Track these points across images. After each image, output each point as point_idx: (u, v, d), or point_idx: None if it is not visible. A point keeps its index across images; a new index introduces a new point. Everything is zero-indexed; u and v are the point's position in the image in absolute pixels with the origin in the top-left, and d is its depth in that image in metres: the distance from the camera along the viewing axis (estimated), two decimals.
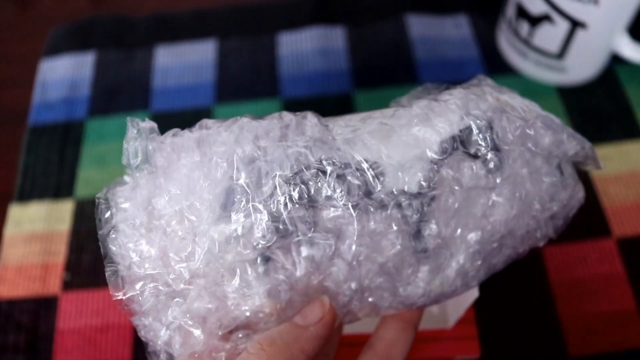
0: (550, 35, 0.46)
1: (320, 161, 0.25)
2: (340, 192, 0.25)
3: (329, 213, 0.25)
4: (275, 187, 0.25)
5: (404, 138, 0.27)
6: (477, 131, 0.27)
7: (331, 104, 0.50)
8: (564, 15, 0.44)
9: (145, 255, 0.26)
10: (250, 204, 0.25)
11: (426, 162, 0.26)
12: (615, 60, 0.51)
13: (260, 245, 0.25)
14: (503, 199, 0.27)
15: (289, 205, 0.25)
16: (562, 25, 0.45)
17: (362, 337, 0.31)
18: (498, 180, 0.27)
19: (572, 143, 0.29)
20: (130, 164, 0.26)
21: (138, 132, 0.26)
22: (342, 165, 0.25)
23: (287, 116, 0.27)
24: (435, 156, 0.26)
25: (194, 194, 0.25)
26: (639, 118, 0.48)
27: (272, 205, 0.25)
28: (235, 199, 0.25)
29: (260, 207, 0.25)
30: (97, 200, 0.26)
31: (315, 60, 0.53)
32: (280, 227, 0.25)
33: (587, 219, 0.44)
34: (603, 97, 0.50)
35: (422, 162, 0.26)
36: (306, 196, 0.25)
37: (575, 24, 0.44)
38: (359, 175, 0.25)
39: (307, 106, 0.50)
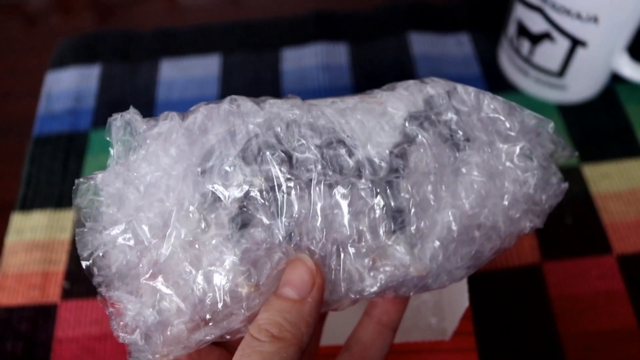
0: (550, 54, 0.47)
1: (293, 115, 0.26)
2: (313, 139, 0.25)
3: (304, 164, 0.25)
4: (250, 139, 0.25)
5: (374, 107, 0.28)
6: (437, 99, 0.28)
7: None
8: (565, 33, 0.45)
9: (115, 211, 0.25)
10: (228, 157, 0.25)
11: (395, 126, 0.27)
12: (615, 80, 0.51)
13: (236, 197, 0.24)
14: (472, 165, 0.27)
15: (265, 156, 0.25)
16: (563, 44, 0.45)
17: (339, 348, 0.31)
18: (465, 146, 0.27)
19: (530, 116, 0.30)
20: (112, 137, 0.26)
21: (122, 117, 0.27)
22: (314, 119, 0.26)
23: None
24: (403, 121, 0.27)
25: (172, 155, 0.25)
26: (639, 136, 0.48)
27: (248, 157, 0.25)
28: (214, 154, 0.25)
29: (237, 159, 0.25)
30: (77, 181, 0.26)
31: (318, 76, 0.53)
32: (258, 179, 0.24)
33: (588, 236, 0.44)
34: (603, 115, 0.50)
35: (392, 126, 0.27)
36: (281, 145, 0.25)
37: (576, 43, 0.45)
38: (336, 136, 0.26)
39: None
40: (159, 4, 0.63)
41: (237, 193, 0.24)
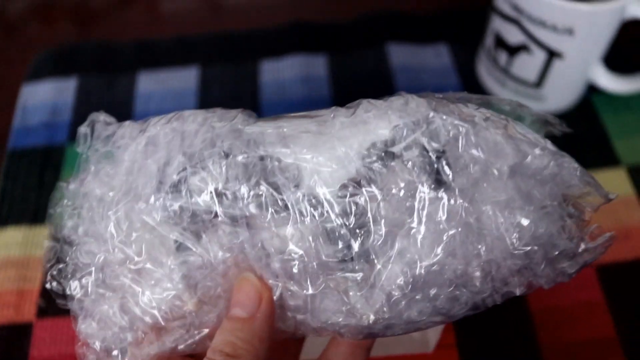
0: (528, 65, 0.47)
1: (230, 148, 0.25)
2: (248, 183, 0.25)
3: (237, 204, 0.25)
4: (183, 171, 0.25)
5: (332, 133, 0.25)
6: (404, 130, 0.25)
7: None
8: (541, 45, 0.45)
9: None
10: (165, 188, 0.26)
11: (351, 162, 0.25)
12: (592, 90, 0.51)
13: (170, 225, 0.25)
14: (442, 212, 0.24)
15: (199, 192, 0.25)
16: (540, 55, 0.46)
17: None
18: (440, 194, 0.24)
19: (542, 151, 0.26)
20: (80, 150, 0.28)
21: (91, 124, 0.29)
22: (257, 157, 0.25)
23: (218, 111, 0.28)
24: (363, 158, 0.25)
25: (132, 183, 0.26)
26: (616, 146, 0.49)
27: (182, 190, 0.25)
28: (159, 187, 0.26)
29: (171, 191, 0.25)
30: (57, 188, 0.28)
31: (296, 87, 0.53)
32: (189, 211, 0.25)
33: None
34: (580, 125, 0.50)
35: (346, 163, 0.25)
36: (218, 185, 0.25)
37: (552, 54, 0.45)
38: (270, 168, 0.25)
39: None
40: (139, 12, 0.63)
41: (170, 221, 0.25)
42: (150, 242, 0.26)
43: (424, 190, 0.24)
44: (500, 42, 0.48)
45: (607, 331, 0.40)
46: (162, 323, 0.26)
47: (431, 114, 0.25)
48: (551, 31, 0.44)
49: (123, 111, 0.53)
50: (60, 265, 0.27)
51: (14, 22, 0.63)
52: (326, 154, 0.25)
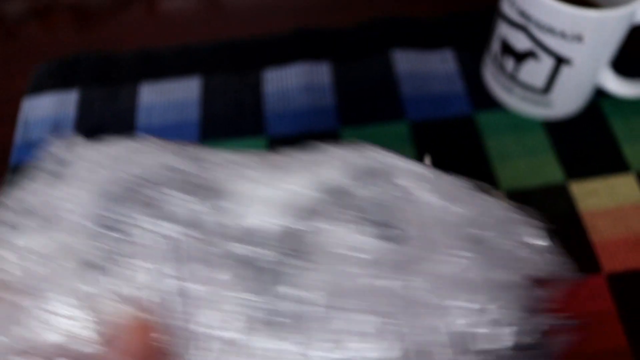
0: (535, 71, 0.46)
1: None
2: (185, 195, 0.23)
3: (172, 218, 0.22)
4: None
5: (281, 166, 0.24)
6: (359, 172, 0.23)
7: (318, 141, 0.50)
8: (549, 51, 0.44)
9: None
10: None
11: (299, 194, 0.22)
12: (600, 95, 0.51)
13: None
14: (389, 265, 0.21)
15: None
16: (547, 62, 0.45)
17: None
18: (388, 241, 0.22)
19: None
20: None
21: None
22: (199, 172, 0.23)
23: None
24: (312, 192, 0.23)
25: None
26: (625, 151, 0.48)
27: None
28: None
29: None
30: None
31: (300, 96, 0.53)
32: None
33: (577, 255, 0.44)
34: (588, 131, 0.50)
35: (293, 193, 0.22)
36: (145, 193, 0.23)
37: (560, 61, 0.45)
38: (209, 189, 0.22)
39: (294, 144, 0.50)
40: (139, 13, 0.62)
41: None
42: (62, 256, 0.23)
43: (370, 234, 0.22)
44: (507, 49, 0.47)
45: (619, 341, 0.40)
46: None
47: (387, 160, 0.23)
48: (560, 38, 0.43)
49: (126, 124, 0.52)
50: None
51: (11, 25, 0.62)
52: (273, 182, 0.23)
